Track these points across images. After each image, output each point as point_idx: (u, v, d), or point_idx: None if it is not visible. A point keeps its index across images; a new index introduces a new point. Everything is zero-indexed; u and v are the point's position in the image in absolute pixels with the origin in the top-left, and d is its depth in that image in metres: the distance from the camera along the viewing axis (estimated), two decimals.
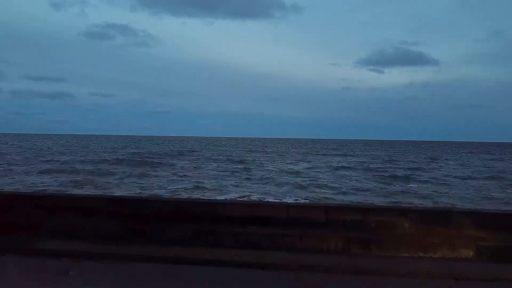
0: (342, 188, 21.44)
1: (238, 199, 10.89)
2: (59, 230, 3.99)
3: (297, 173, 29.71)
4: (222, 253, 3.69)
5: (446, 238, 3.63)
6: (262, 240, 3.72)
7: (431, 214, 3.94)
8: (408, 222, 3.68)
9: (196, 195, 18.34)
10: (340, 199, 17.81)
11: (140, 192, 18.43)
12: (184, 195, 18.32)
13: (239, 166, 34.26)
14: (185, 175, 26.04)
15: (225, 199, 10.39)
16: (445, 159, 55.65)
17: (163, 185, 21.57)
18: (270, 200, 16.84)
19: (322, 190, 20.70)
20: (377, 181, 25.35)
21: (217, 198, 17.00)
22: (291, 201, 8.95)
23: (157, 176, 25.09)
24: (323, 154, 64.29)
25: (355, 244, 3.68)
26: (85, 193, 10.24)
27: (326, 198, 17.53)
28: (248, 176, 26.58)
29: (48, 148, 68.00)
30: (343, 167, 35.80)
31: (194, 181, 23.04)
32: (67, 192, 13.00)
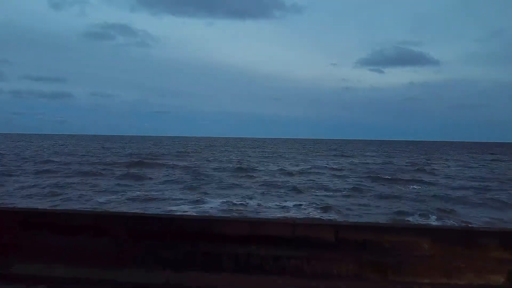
0: (343, 190, 21.02)
1: (238, 216, 10.34)
2: (37, 251, 3.55)
3: (296, 174, 29.30)
4: (220, 278, 3.27)
5: (472, 262, 3.21)
6: (264, 262, 3.30)
7: (455, 234, 3.51)
8: (429, 243, 3.25)
9: (191, 196, 17.88)
10: (340, 202, 17.41)
11: (136, 197, 17.95)
12: (179, 196, 17.85)
13: (236, 167, 33.83)
14: (181, 177, 25.62)
15: (224, 215, 9.89)
16: (446, 159, 55.18)
17: (158, 187, 21.15)
18: (269, 204, 16.40)
19: (323, 192, 20.28)
20: (377, 182, 24.97)
21: (214, 208, 16.54)
22: (297, 218, 8.46)
23: (152, 178, 24.59)
24: (323, 155, 63.87)
25: (369, 268, 3.26)
26: (68, 208, 9.80)
27: (327, 202, 17.10)
28: (246, 178, 26.14)
29: (46, 148, 67.57)
30: (343, 169, 35.42)
31: (189, 183, 22.59)
32: (50, 205, 12.36)
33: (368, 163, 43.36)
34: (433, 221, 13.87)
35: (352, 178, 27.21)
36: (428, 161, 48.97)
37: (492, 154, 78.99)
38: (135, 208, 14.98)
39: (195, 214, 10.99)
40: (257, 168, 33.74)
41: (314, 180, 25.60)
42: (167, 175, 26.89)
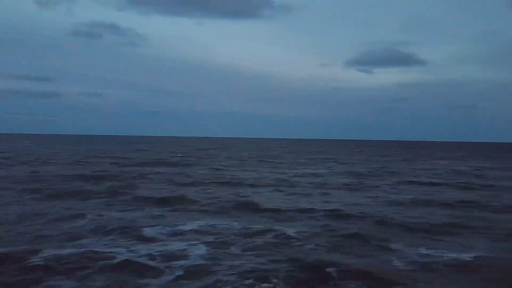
0: (339, 202, 19.48)
1: None
2: None
3: (285, 183, 27.74)
4: None
5: None
6: None
7: None
8: None
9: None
10: (338, 224, 15.90)
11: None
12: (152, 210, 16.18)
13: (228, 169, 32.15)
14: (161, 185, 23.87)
15: None
16: (450, 159, 53.80)
17: (132, 212, 19.41)
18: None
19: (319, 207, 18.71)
20: (364, 200, 23.51)
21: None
22: None
23: (134, 207, 22.37)
24: (310, 158, 62.32)
25: None
26: None
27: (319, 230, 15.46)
28: (234, 187, 24.50)
29: (27, 152, 65.28)
30: (335, 180, 33.92)
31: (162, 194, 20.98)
32: None
33: (360, 167, 41.78)
34: (423, 251, 12.26)
35: (345, 190, 25.78)
36: (428, 170, 47.51)
37: (494, 156, 77.73)
38: None
39: None
40: (246, 173, 32.03)
41: (300, 193, 24.08)
42: (153, 186, 25.16)
